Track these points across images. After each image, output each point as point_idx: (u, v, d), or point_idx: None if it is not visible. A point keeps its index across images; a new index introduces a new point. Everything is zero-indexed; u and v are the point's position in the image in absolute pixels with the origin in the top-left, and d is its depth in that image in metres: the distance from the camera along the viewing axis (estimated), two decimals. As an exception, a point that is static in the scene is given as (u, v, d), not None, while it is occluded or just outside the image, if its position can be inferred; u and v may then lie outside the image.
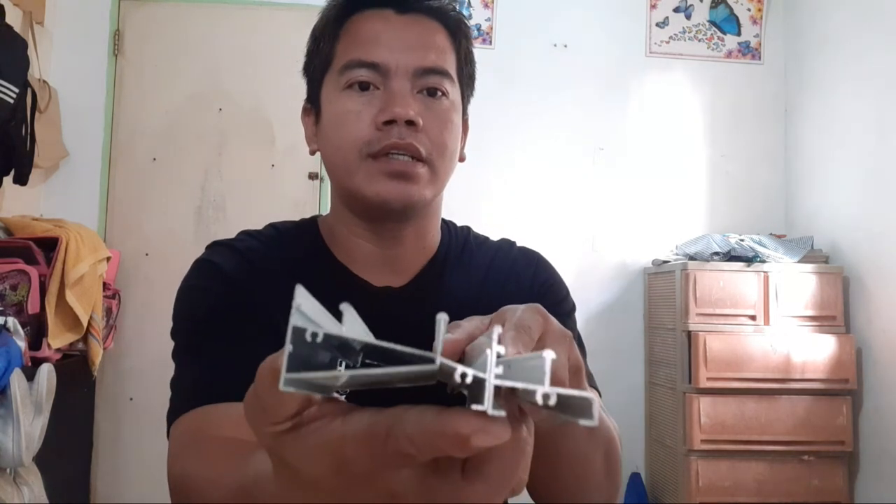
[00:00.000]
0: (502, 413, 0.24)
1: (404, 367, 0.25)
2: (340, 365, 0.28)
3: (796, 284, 2.70)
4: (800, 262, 2.79)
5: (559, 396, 0.24)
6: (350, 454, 0.27)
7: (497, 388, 0.25)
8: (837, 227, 2.90)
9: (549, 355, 0.25)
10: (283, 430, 0.29)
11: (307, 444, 0.28)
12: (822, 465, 2.62)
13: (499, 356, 0.26)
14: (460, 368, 0.24)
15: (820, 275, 2.73)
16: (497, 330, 0.27)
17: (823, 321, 2.70)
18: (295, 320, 0.26)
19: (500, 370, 0.25)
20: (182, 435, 0.64)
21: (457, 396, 0.27)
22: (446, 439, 0.24)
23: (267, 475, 0.35)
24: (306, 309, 0.27)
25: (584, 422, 0.25)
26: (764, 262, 2.76)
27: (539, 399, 0.24)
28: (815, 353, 2.63)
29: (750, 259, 2.74)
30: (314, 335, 0.25)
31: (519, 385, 0.25)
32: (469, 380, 0.24)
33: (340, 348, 0.27)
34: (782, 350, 2.61)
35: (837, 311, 2.71)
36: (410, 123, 0.72)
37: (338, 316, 0.30)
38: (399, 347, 0.26)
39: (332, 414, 0.29)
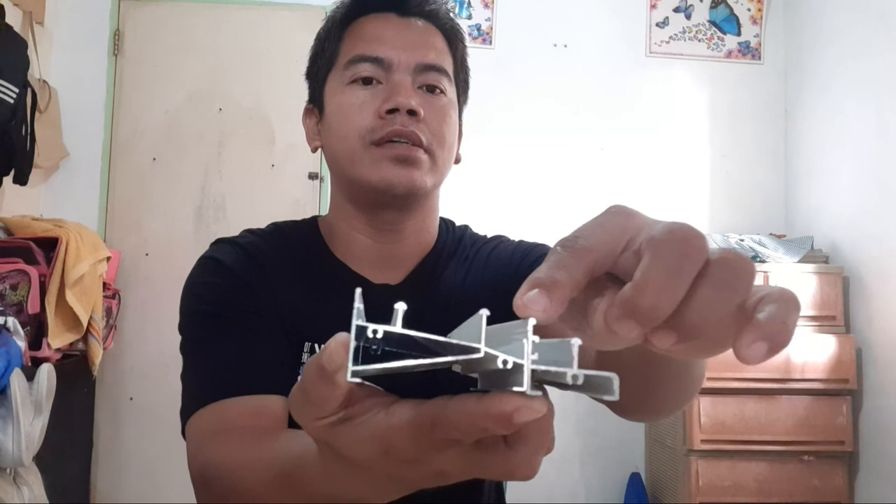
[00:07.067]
0: (539, 393, 0.27)
1: (452, 357, 0.28)
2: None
3: (796, 284, 2.70)
4: (800, 262, 2.79)
5: (585, 377, 0.28)
6: (397, 443, 0.30)
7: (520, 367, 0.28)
8: (837, 227, 2.89)
9: (576, 342, 0.28)
10: (331, 423, 0.31)
11: (355, 434, 0.31)
12: (822, 465, 2.62)
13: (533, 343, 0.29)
14: (502, 356, 0.28)
15: (820, 275, 2.73)
16: (531, 321, 0.29)
17: (823, 321, 2.70)
18: (357, 320, 0.29)
19: (534, 356, 0.28)
20: (201, 430, 0.67)
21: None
22: (491, 419, 0.27)
23: (310, 458, 0.38)
24: (362, 310, 0.30)
25: (607, 397, 0.28)
26: (764, 262, 2.76)
27: (569, 380, 0.28)
28: (815, 353, 2.62)
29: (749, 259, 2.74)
30: (374, 332, 0.28)
31: (552, 369, 0.28)
32: (510, 366, 0.28)
33: (382, 341, 0.30)
34: (782, 350, 2.61)
35: (837, 311, 2.71)
36: (412, 113, 0.75)
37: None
38: (449, 340, 0.29)
39: (376, 406, 0.31)
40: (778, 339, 0.27)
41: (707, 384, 2.57)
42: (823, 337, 2.65)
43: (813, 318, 2.70)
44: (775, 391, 2.61)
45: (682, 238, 0.28)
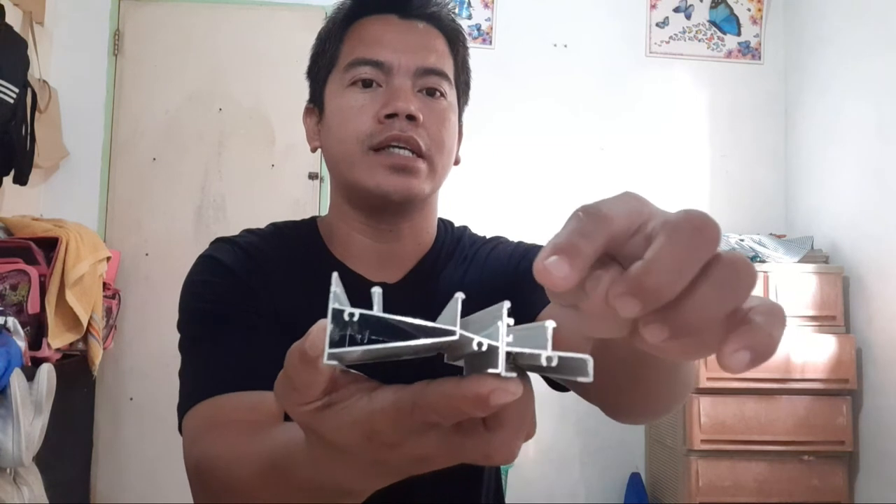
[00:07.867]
0: (514, 374, 0.28)
1: (428, 339, 0.29)
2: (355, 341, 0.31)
3: (796, 284, 2.70)
4: (800, 262, 2.79)
5: (560, 359, 0.28)
6: (379, 427, 0.30)
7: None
8: (837, 227, 2.89)
9: (550, 324, 0.29)
10: (315, 408, 0.32)
11: (339, 420, 0.31)
12: (822, 465, 2.62)
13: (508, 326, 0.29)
14: (476, 338, 0.28)
15: (820, 275, 2.73)
16: (506, 304, 0.29)
17: (823, 321, 2.70)
18: (333, 303, 0.29)
19: (510, 339, 0.29)
20: (196, 424, 0.67)
21: (449, 367, 0.32)
22: (468, 401, 0.27)
23: (298, 446, 0.38)
24: (339, 294, 0.30)
25: (581, 379, 0.28)
26: (764, 261, 2.76)
27: (543, 362, 0.28)
28: (815, 353, 2.62)
29: (750, 259, 2.74)
30: (351, 315, 0.29)
31: (526, 350, 0.28)
32: (485, 347, 0.28)
33: (362, 326, 0.30)
34: (782, 350, 2.61)
35: (837, 311, 2.71)
36: (411, 118, 0.75)
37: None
38: (424, 322, 0.29)
39: (359, 391, 0.32)
40: (762, 351, 0.28)
41: (707, 384, 2.57)
42: (823, 337, 2.65)
43: (813, 318, 2.70)
44: (775, 391, 2.61)
45: (698, 226, 0.28)
